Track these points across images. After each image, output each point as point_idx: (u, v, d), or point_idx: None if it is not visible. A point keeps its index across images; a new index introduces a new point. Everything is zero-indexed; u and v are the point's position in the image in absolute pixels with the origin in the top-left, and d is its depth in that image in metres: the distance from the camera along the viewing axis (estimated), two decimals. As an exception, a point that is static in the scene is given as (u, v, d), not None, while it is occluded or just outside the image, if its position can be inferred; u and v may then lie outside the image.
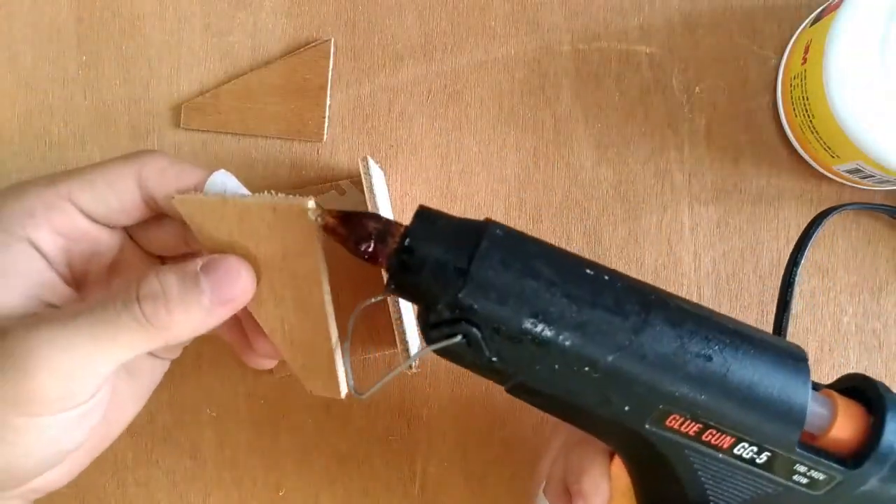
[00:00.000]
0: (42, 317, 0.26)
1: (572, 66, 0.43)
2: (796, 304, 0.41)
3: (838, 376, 0.41)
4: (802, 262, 0.41)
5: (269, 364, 0.33)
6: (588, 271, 0.26)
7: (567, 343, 0.25)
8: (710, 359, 0.26)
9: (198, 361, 0.43)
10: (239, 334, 0.32)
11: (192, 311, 0.26)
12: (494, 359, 0.26)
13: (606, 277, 0.26)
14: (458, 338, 0.25)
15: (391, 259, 0.26)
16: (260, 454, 0.43)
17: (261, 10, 0.44)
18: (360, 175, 0.37)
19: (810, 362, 0.40)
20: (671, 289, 0.42)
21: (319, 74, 0.43)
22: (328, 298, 0.29)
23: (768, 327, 0.41)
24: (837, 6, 0.36)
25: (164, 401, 0.43)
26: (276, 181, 0.43)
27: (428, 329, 0.26)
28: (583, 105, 0.43)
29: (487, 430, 0.42)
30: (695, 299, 0.42)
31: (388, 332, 0.40)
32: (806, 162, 0.41)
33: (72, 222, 0.28)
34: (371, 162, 0.37)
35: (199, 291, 0.26)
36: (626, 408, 0.26)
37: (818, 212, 0.40)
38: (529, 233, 0.43)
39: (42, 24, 0.45)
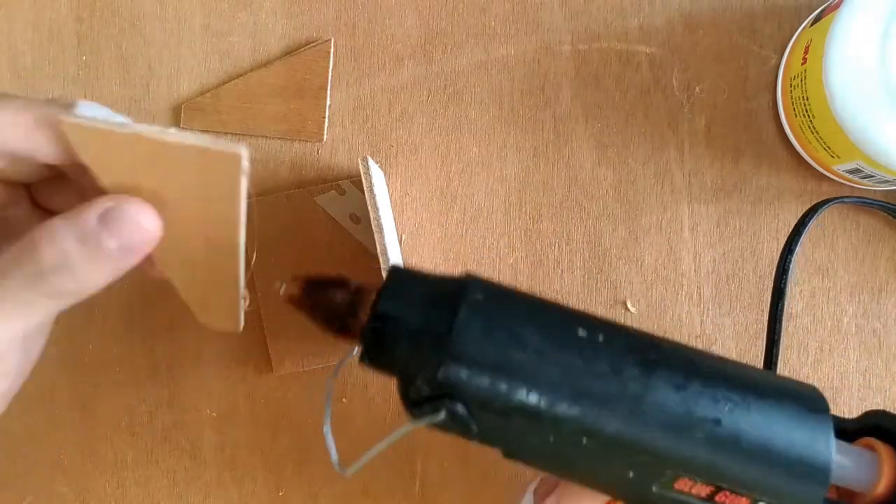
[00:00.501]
0: None
1: (572, 66, 0.43)
2: (796, 304, 0.41)
3: (839, 377, 0.41)
4: (803, 262, 0.41)
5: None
6: (580, 332, 0.24)
7: (561, 416, 0.23)
8: (719, 422, 0.23)
9: (198, 361, 0.43)
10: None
11: (99, 270, 0.24)
12: (483, 433, 0.24)
13: (601, 338, 0.24)
14: (442, 414, 0.23)
15: (363, 331, 0.24)
16: (260, 454, 0.43)
17: (261, 10, 0.44)
18: (360, 175, 0.37)
19: (808, 364, 0.39)
20: (671, 289, 0.42)
21: (319, 74, 0.43)
22: (241, 241, 0.27)
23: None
24: (837, 6, 0.36)
25: (164, 401, 0.43)
26: (276, 181, 0.43)
27: (408, 405, 0.24)
28: (583, 105, 0.43)
29: (487, 430, 0.42)
30: (695, 299, 0.42)
31: None
32: (806, 162, 0.41)
33: None
34: (371, 162, 0.37)
35: (103, 250, 0.24)
36: (631, 474, 0.24)
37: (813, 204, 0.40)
38: (529, 233, 0.43)
39: (42, 24, 0.45)
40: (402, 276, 0.25)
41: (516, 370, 0.23)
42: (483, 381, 0.23)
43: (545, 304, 0.25)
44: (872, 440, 0.26)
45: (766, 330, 0.38)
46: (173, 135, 0.24)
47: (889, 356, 0.41)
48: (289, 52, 0.44)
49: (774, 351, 0.36)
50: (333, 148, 0.43)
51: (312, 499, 0.43)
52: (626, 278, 0.42)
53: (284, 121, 0.43)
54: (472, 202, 0.43)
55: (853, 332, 0.41)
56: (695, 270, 0.42)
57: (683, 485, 0.24)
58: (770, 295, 0.42)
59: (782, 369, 0.41)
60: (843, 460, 0.24)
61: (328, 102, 0.43)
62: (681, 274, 0.42)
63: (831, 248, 0.42)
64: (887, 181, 0.38)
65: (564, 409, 0.23)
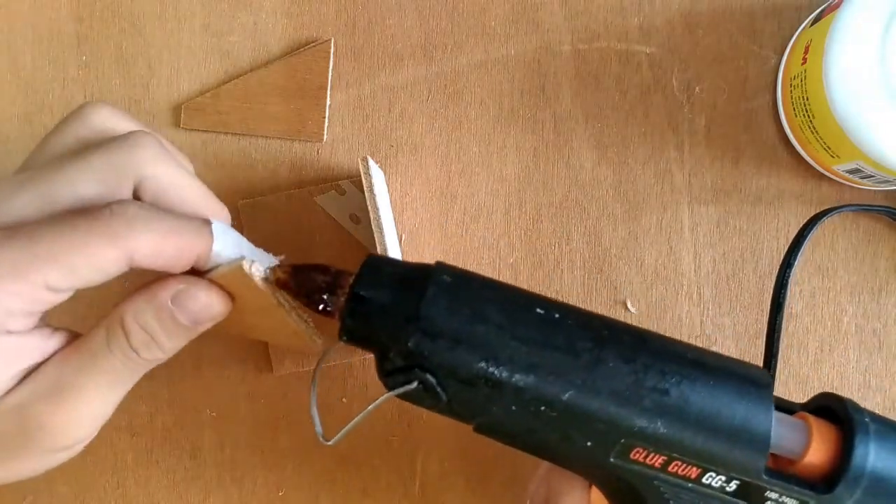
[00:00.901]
0: (46, 384, 0.27)
1: (572, 66, 0.43)
2: (796, 304, 0.41)
3: (839, 377, 0.41)
4: (803, 262, 0.41)
5: None
6: (538, 311, 0.26)
7: (520, 384, 0.25)
8: (666, 392, 0.26)
9: (198, 361, 0.43)
10: None
11: (178, 340, 0.28)
12: (452, 402, 0.26)
13: (557, 315, 0.26)
14: (414, 384, 0.26)
15: (342, 310, 0.27)
16: (260, 454, 0.43)
17: (261, 10, 0.44)
18: (359, 175, 0.37)
19: (808, 364, 0.40)
20: (671, 289, 0.42)
21: (319, 74, 0.43)
22: (292, 316, 0.31)
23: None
24: (837, 6, 0.36)
25: (164, 401, 0.43)
26: (276, 181, 0.43)
27: (383, 376, 0.26)
28: (583, 105, 0.43)
29: (487, 430, 0.43)
30: (695, 299, 0.42)
31: None
32: (806, 162, 0.41)
33: (47, 300, 0.25)
34: (371, 162, 0.37)
35: (179, 324, 0.27)
36: (588, 443, 0.26)
37: (815, 213, 0.40)
38: (529, 233, 0.43)
39: (42, 24, 0.45)
40: (377, 263, 0.27)
41: (479, 342, 0.25)
42: (448, 351, 0.25)
43: (507, 286, 0.27)
44: (806, 413, 0.28)
45: (765, 331, 0.38)
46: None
47: (889, 356, 0.41)
48: (289, 52, 0.44)
49: (773, 362, 0.37)
50: (333, 148, 0.43)
51: (312, 499, 0.43)
52: (626, 278, 0.42)
53: (284, 121, 0.43)
54: (472, 202, 0.43)
55: (853, 332, 0.41)
56: (695, 270, 0.42)
57: (638, 454, 0.26)
58: (769, 295, 0.42)
59: (782, 369, 0.41)
60: (778, 429, 0.27)
61: (328, 102, 0.43)
62: (681, 274, 0.42)
63: (831, 248, 0.42)
64: (887, 181, 0.38)
65: (521, 377, 0.25)
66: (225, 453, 0.43)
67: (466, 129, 0.43)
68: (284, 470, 0.43)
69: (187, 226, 0.27)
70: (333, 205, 0.43)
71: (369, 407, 0.27)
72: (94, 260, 0.25)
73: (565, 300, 0.42)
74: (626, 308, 0.42)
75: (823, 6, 0.39)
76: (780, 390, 0.41)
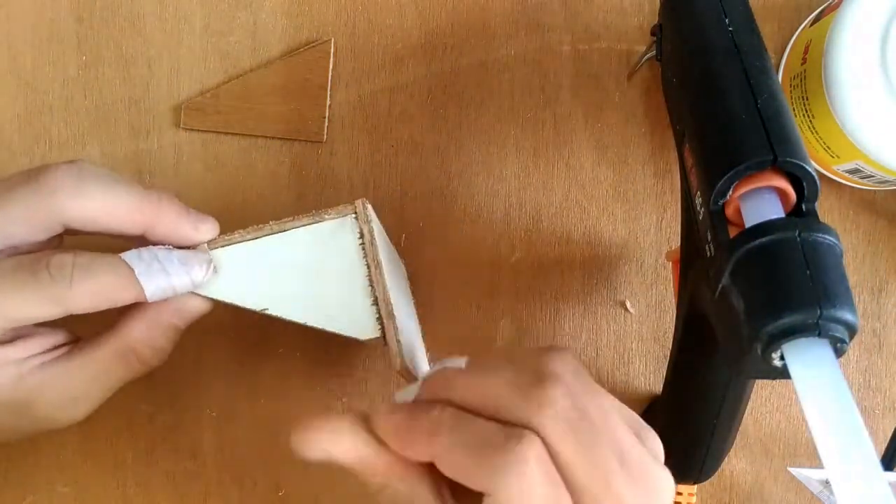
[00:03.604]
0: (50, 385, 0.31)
1: (572, 66, 0.43)
2: (796, 304, 0.41)
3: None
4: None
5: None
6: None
7: None
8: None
9: (198, 361, 0.43)
10: None
11: (174, 343, 0.34)
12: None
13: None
14: None
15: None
16: (260, 454, 0.43)
17: (261, 10, 0.44)
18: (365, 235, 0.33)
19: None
20: (671, 289, 0.42)
21: (319, 74, 0.43)
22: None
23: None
24: (837, 6, 0.36)
25: (165, 401, 0.43)
26: (276, 181, 0.43)
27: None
28: (583, 105, 0.43)
29: (487, 430, 0.42)
30: (695, 299, 0.42)
31: None
32: (806, 162, 0.41)
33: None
34: (369, 207, 0.34)
35: (179, 331, 0.34)
36: None
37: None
38: (529, 233, 0.43)
39: (42, 24, 0.45)
40: None
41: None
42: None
43: None
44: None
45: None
46: None
47: (889, 356, 0.41)
48: (289, 53, 0.44)
49: None
50: (333, 148, 0.43)
51: (312, 499, 0.43)
52: (626, 278, 0.42)
53: (284, 121, 0.43)
54: (472, 202, 0.43)
55: (853, 332, 0.41)
56: (695, 270, 0.42)
57: None
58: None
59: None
60: None
61: (328, 102, 0.43)
62: (681, 274, 0.42)
63: (831, 248, 0.42)
64: (887, 181, 0.38)
65: None
66: (225, 453, 0.43)
67: (466, 129, 0.43)
68: (284, 470, 0.43)
69: (117, 277, 0.30)
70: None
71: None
72: (37, 314, 0.29)
73: (565, 300, 0.42)
74: (626, 308, 0.42)
75: (823, 6, 0.39)
76: (778, 390, 0.41)
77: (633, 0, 0.43)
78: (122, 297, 0.31)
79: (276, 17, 0.44)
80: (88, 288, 0.29)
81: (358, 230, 0.33)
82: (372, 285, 0.33)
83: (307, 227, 0.33)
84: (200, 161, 0.44)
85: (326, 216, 0.33)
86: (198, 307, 0.33)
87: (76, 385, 0.31)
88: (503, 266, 0.43)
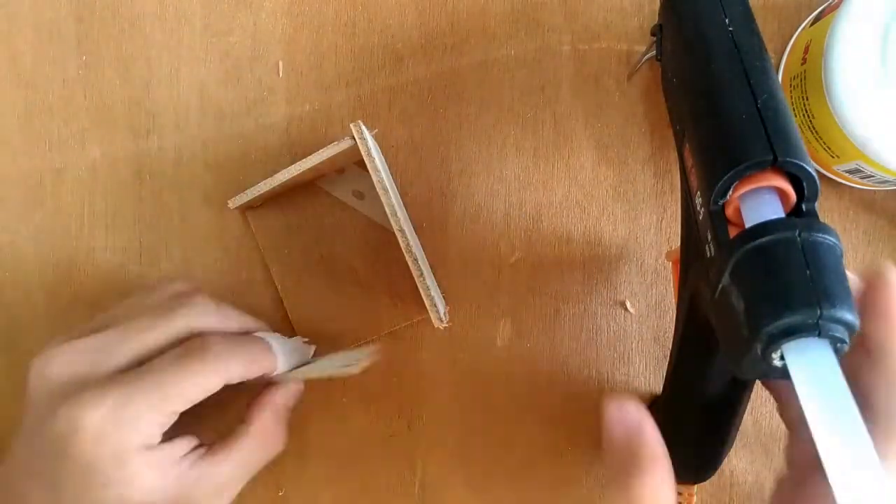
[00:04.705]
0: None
1: (572, 66, 0.43)
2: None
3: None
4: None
5: None
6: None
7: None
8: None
9: (198, 361, 0.43)
10: None
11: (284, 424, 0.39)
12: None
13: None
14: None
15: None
16: (260, 454, 0.43)
17: (261, 10, 0.44)
18: (354, 153, 0.37)
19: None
20: (671, 289, 0.42)
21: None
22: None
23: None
24: (837, 6, 0.36)
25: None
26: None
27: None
28: (583, 105, 0.43)
29: (487, 430, 0.42)
30: (695, 299, 0.42)
31: (411, 300, 0.42)
32: (806, 162, 0.41)
33: (171, 421, 0.34)
34: (363, 127, 0.37)
35: (286, 415, 0.39)
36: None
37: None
38: (529, 233, 0.43)
39: (42, 24, 0.45)
40: None
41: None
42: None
43: None
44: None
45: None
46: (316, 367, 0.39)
47: (889, 356, 0.41)
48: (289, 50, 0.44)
49: None
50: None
51: (312, 499, 0.43)
52: (626, 278, 0.42)
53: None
54: (472, 202, 0.43)
55: (853, 332, 0.41)
56: (695, 270, 0.42)
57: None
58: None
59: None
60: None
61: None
62: (681, 274, 0.42)
63: (831, 248, 0.42)
64: (887, 181, 0.38)
65: None
66: (225, 453, 0.43)
67: (466, 129, 0.43)
68: (284, 470, 0.43)
69: (259, 349, 0.36)
70: (335, 185, 0.43)
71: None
72: (207, 388, 0.34)
73: (565, 300, 0.42)
74: (626, 308, 0.42)
75: (823, 6, 0.39)
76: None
77: (633, 0, 0.43)
78: (265, 367, 0.36)
79: (276, 17, 0.44)
80: (243, 358, 0.35)
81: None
82: None
83: (319, 153, 0.38)
84: (201, 162, 0.44)
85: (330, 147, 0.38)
86: (300, 389, 0.39)
87: (225, 476, 0.35)
88: (503, 266, 0.43)
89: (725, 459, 0.37)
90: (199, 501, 0.34)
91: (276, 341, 0.38)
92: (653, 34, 0.38)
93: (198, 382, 0.33)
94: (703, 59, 0.31)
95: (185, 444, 0.35)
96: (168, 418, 0.33)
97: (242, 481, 0.37)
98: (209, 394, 0.34)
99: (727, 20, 0.31)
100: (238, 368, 0.35)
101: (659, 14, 0.37)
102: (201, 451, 0.35)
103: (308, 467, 0.43)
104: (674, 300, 0.34)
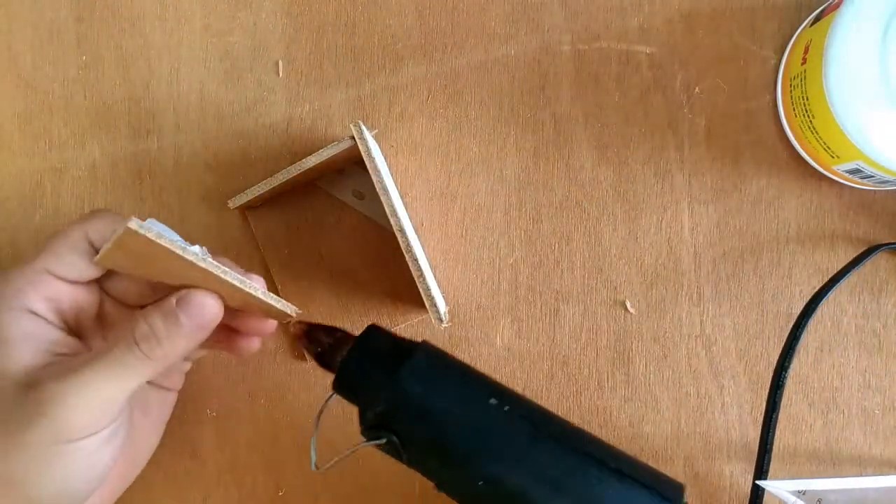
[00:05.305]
0: (62, 366, 0.32)
1: (572, 66, 0.43)
2: (796, 305, 0.41)
3: (839, 377, 0.41)
4: (803, 262, 0.41)
5: (257, 344, 0.38)
6: (492, 401, 0.31)
7: (461, 460, 0.30)
8: (588, 489, 0.29)
9: (198, 362, 0.43)
10: (219, 337, 0.37)
11: (177, 340, 0.32)
12: (411, 462, 0.31)
13: (507, 408, 0.31)
14: (383, 440, 0.30)
15: (338, 368, 0.32)
16: (260, 454, 0.43)
17: (261, 10, 0.44)
18: (354, 152, 0.37)
19: (808, 364, 0.40)
20: (671, 290, 0.42)
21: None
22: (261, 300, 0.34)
23: (768, 330, 0.41)
24: (837, 6, 0.36)
25: (165, 401, 0.43)
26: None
27: (362, 428, 0.31)
28: (583, 105, 0.43)
29: (487, 430, 0.43)
30: (695, 299, 0.42)
31: (411, 300, 0.42)
32: (806, 162, 0.41)
33: (54, 287, 0.34)
34: (363, 127, 0.37)
35: (180, 324, 0.32)
36: None
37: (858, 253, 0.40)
38: (529, 233, 0.43)
39: (42, 24, 0.45)
40: (374, 333, 0.32)
41: (434, 420, 0.30)
42: (409, 422, 0.31)
43: (473, 375, 0.32)
44: None
45: (765, 347, 0.38)
46: (230, 275, 0.32)
47: (889, 356, 0.41)
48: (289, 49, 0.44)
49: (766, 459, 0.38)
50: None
51: (313, 499, 0.43)
52: (626, 278, 0.42)
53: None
54: (472, 202, 0.43)
55: (853, 332, 0.41)
56: (695, 270, 0.42)
57: None
58: (770, 295, 0.42)
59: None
60: None
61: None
62: (681, 274, 0.42)
63: (831, 248, 0.42)
64: (887, 181, 0.38)
65: (463, 454, 0.30)
66: (225, 453, 0.43)
67: (466, 129, 0.43)
68: (284, 470, 0.43)
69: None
70: (335, 185, 0.43)
71: (352, 448, 0.31)
72: (69, 241, 0.33)
73: (565, 300, 0.42)
74: (626, 308, 0.42)
75: (823, 6, 0.39)
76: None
77: (633, 0, 0.43)
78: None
79: (276, 17, 0.44)
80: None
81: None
82: None
83: (319, 153, 0.38)
84: (201, 161, 0.44)
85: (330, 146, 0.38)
86: (214, 313, 0.33)
87: (73, 364, 0.32)
88: (503, 266, 0.43)
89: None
90: (44, 399, 0.32)
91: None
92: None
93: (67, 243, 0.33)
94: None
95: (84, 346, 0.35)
96: (46, 279, 0.33)
97: (108, 399, 0.32)
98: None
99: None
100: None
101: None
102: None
103: (308, 467, 0.43)
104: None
